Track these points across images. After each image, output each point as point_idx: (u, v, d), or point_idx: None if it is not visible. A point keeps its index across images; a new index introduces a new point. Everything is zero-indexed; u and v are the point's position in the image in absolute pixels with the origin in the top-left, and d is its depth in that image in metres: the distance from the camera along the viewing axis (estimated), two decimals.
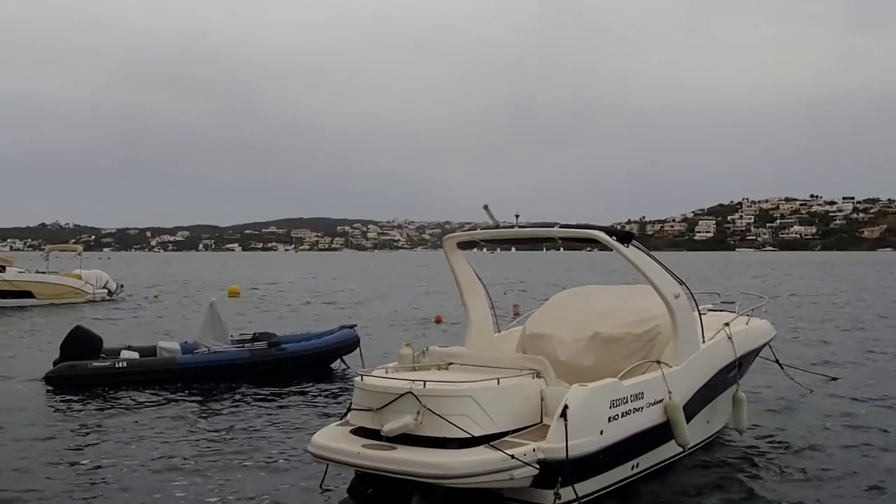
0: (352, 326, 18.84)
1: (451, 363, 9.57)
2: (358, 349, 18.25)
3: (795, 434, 11.84)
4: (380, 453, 7.80)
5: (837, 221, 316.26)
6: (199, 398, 14.87)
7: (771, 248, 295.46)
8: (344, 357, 18.25)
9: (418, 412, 7.76)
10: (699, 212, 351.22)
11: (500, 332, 11.47)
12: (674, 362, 9.46)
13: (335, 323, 22.45)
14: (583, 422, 8.01)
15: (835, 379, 16.26)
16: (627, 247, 9.29)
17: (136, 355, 16.39)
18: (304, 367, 17.10)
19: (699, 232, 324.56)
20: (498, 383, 8.18)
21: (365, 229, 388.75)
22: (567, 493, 7.93)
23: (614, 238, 9.32)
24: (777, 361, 13.78)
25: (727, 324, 10.90)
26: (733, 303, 12.94)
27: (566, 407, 7.91)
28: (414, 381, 8.03)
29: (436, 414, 7.74)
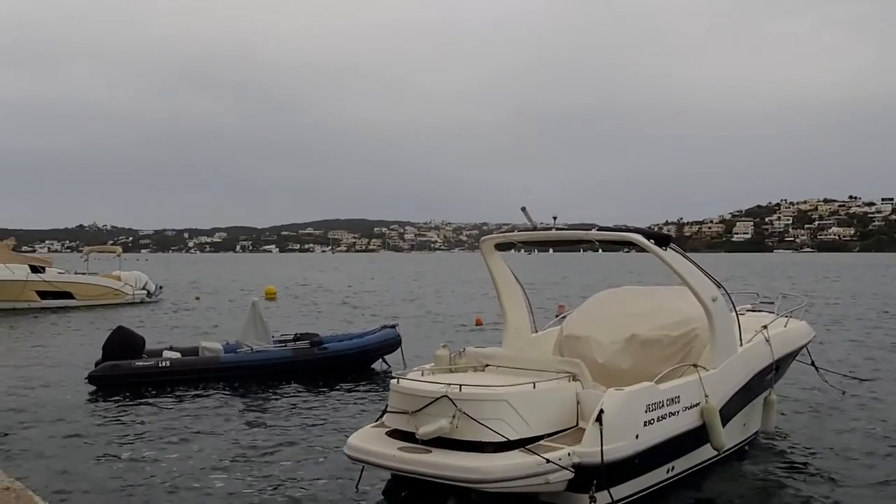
0: (393, 326, 18.76)
1: (487, 365, 9.52)
2: (399, 349, 18.18)
3: (827, 438, 11.62)
4: (415, 456, 7.75)
5: (876, 223, 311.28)
6: (241, 397, 14.86)
7: (809, 250, 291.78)
8: (385, 357, 18.19)
9: (454, 416, 7.70)
10: (737, 213, 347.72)
11: (537, 332, 11.38)
12: (711, 366, 9.34)
13: (375, 323, 22.36)
14: (618, 426, 7.93)
15: (866, 380, 16.03)
16: (665, 249, 9.17)
17: (178, 355, 16.41)
18: (345, 367, 17.03)
19: (737, 233, 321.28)
20: (534, 387, 8.12)
21: (402, 230, 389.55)
22: (602, 497, 7.86)
23: (652, 241, 9.18)
24: (813, 363, 13.42)
25: (765, 326, 10.69)
26: (772, 303, 12.76)
27: (602, 411, 7.84)
28: (450, 384, 7.95)
29: (471, 418, 7.67)
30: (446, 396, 7.80)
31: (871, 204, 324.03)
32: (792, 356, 11.73)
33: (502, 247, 11.07)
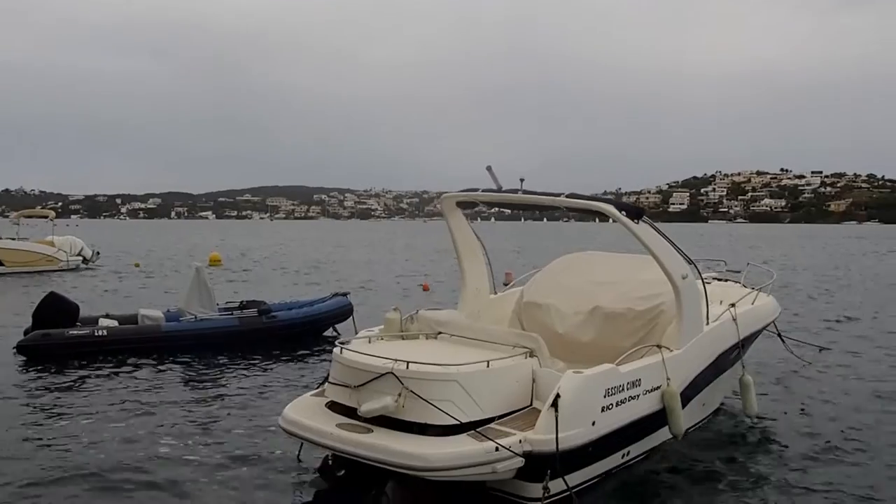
0: (345, 294, 18.03)
1: (440, 332, 8.98)
2: (351, 317, 17.47)
3: (800, 412, 11.38)
4: (355, 436, 7.23)
5: (806, 195, 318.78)
6: (185, 368, 14.03)
7: (742, 221, 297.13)
8: (336, 325, 17.49)
9: (400, 394, 7.16)
10: (673, 184, 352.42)
11: (496, 293, 10.92)
12: (675, 346, 8.91)
13: (323, 291, 21.59)
14: (575, 412, 7.44)
15: (824, 349, 15.94)
16: (637, 223, 8.65)
17: (115, 324, 15.38)
18: (295, 336, 16.30)
19: (673, 204, 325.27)
20: (488, 366, 7.60)
21: (342, 198, 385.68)
22: (555, 486, 7.35)
23: (623, 213, 8.65)
24: (779, 334, 13.04)
25: (733, 304, 10.30)
26: (739, 272, 12.47)
27: (558, 396, 7.33)
28: (397, 360, 7.36)
29: (419, 397, 7.14)
30: (392, 373, 7.24)
31: (801, 176, 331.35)
32: (757, 335, 11.34)
33: (464, 205, 10.47)
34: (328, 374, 8.25)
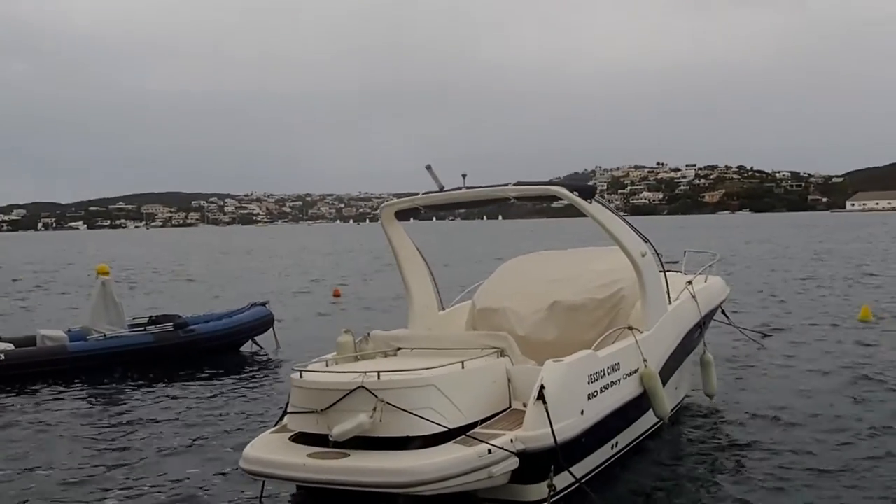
0: (264, 303, 16.92)
1: (399, 348, 8.43)
2: (272, 329, 16.50)
3: (759, 395, 11.30)
4: (331, 463, 6.48)
5: (682, 187, 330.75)
6: (99, 393, 12.83)
7: (623, 214, 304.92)
8: (256, 338, 16.40)
9: (374, 409, 6.50)
10: (555, 180, 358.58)
11: (444, 309, 10.34)
12: (644, 327, 8.67)
13: (229, 301, 20.45)
14: (563, 402, 7.05)
15: (765, 335, 15.96)
16: (591, 203, 8.44)
17: (10, 347, 13.88)
18: (214, 351, 15.20)
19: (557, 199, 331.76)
20: (462, 367, 7.10)
21: (222, 203, 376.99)
22: (561, 480, 6.86)
23: (576, 193, 8.41)
24: (726, 316, 12.90)
25: (690, 282, 10.22)
26: (677, 262, 12.17)
27: (543, 387, 6.88)
28: (365, 372, 6.74)
29: (396, 408, 6.52)
30: (363, 387, 6.57)
31: (676, 170, 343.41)
32: (713, 313, 11.29)
33: (404, 214, 9.92)
34: (285, 408, 7.57)
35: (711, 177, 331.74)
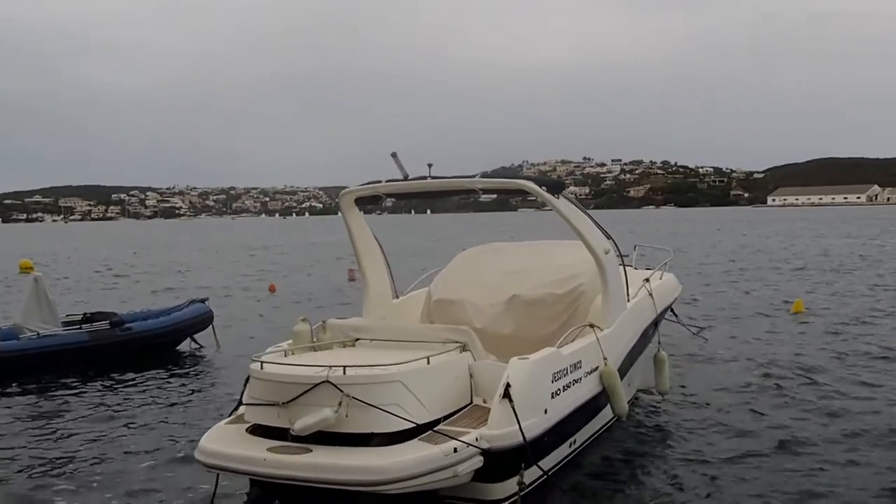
0: (203, 300, 16.46)
1: (357, 339, 8.28)
2: (211, 326, 16.05)
3: (710, 389, 11.46)
4: (294, 458, 6.33)
5: (608, 182, 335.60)
6: (35, 395, 12.31)
7: (549, 209, 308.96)
8: (195, 336, 15.95)
9: (340, 403, 6.36)
10: (482, 173, 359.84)
11: (398, 297, 10.30)
12: (604, 324, 8.68)
13: (161, 297, 19.88)
14: (528, 401, 7.01)
15: (702, 329, 16.10)
16: (558, 198, 8.43)
17: None
18: (151, 350, 14.73)
19: (484, 193, 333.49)
20: (428, 363, 6.99)
21: (143, 196, 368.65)
22: (527, 476, 6.88)
23: (544, 188, 8.39)
24: (674, 313, 13.03)
25: (647, 280, 10.31)
26: (626, 256, 12.19)
27: (508, 385, 6.83)
28: (331, 366, 6.56)
29: (362, 403, 6.38)
30: (328, 381, 6.41)
31: (602, 164, 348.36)
32: (667, 311, 11.40)
33: (364, 201, 9.75)
34: (240, 398, 7.39)
35: (637, 172, 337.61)
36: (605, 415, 8.80)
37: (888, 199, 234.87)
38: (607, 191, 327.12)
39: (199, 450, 6.80)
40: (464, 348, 7.59)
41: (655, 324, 10.46)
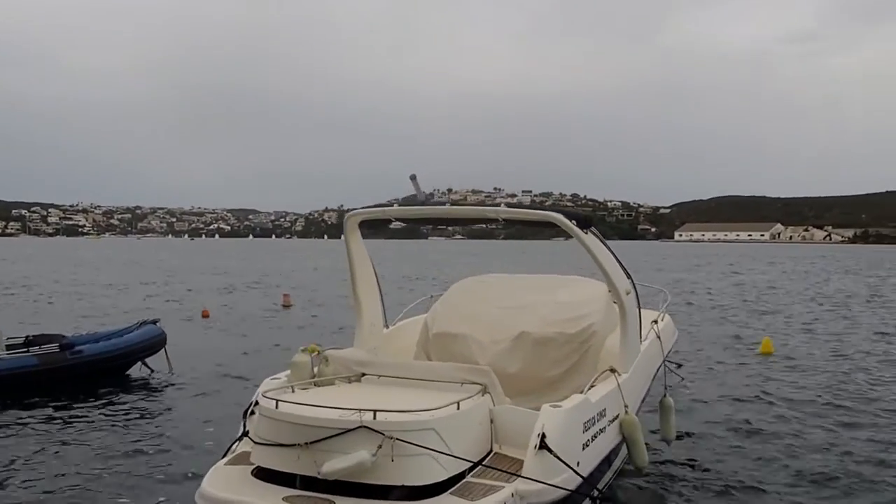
0: (154, 321, 15.66)
1: (363, 374, 7.70)
2: (164, 349, 15.30)
3: (706, 432, 11.23)
4: None
5: None
6: None
7: (460, 237, 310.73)
8: (146, 360, 15.16)
9: (379, 446, 5.85)
10: (393, 201, 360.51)
11: (388, 327, 9.78)
12: (622, 369, 8.18)
13: (84, 321, 18.84)
14: (563, 453, 6.53)
15: (680, 366, 15.89)
16: (586, 233, 8.04)
17: None
18: (100, 374, 13.91)
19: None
20: (458, 408, 6.50)
21: (45, 213, 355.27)
22: None
23: (574, 222, 7.99)
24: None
25: (655, 321, 10.00)
26: None
27: (544, 435, 6.43)
28: (361, 409, 6.04)
29: (402, 450, 5.91)
30: (364, 427, 5.90)
31: (513, 195, 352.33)
32: (669, 354, 10.91)
33: (369, 225, 9.21)
34: (240, 436, 6.92)
35: (547, 203, 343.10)
36: (617, 466, 8.36)
37: (790, 237, 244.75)
38: None
39: (202, 495, 6.23)
40: (484, 391, 7.10)
41: (664, 367, 10.11)
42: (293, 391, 6.98)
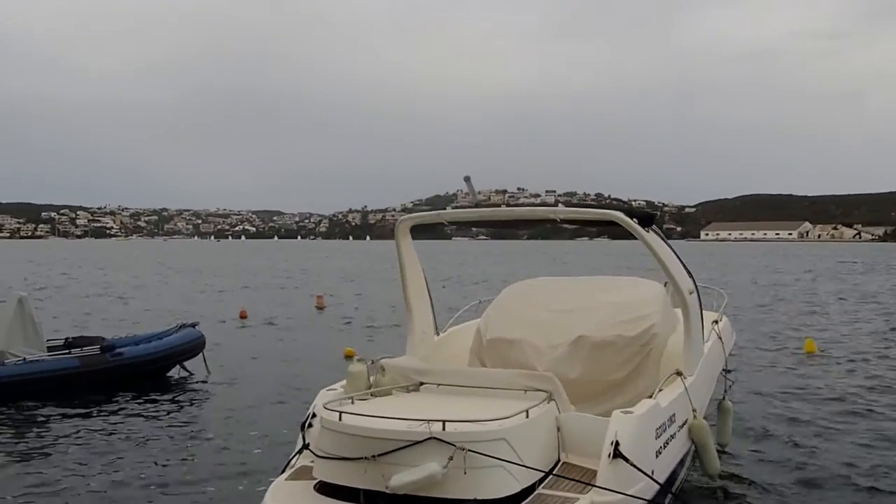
0: (193, 325, 15.58)
1: (422, 383, 7.43)
2: (202, 353, 15.22)
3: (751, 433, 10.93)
4: None
5: None
6: (23, 425, 11.36)
7: (484, 238, 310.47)
8: (185, 363, 15.10)
9: (450, 458, 5.62)
10: (418, 202, 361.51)
11: (438, 334, 9.45)
12: (687, 371, 7.85)
13: (116, 324, 18.80)
14: (638, 461, 6.27)
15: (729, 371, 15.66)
16: (648, 231, 7.71)
17: None
18: (140, 377, 13.86)
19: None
20: (527, 416, 6.23)
21: (74, 215, 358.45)
22: None
23: (635, 220, 7.66)
24: None
25: (716, 322, 9.65)
26: None
27: (617, 443, 6.15)
28: (429, 420, 5.82)
29: (474, 462, 5.67)
30: (434, 438, 5.69)
31: (536, 195, 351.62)
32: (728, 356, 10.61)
33: (419, 229, 8.99)
34: (300, 449, 6.70)
35: (571, 202, 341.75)
36: (684, 473, 8.09)
37: (818, 235, 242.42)
38: None
39: None
40: (549, 398, 6.85)
41: (726, 369, 9.87)
42: (353, 402, 6.72)
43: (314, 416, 6.74)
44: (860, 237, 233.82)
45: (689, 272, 8.20)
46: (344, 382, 7.49)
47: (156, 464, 9.52)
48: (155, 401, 12.89)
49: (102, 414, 11.94)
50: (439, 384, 7.36)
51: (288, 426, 11.00)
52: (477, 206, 8.36)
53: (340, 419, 6.10)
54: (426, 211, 9.15)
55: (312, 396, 7.29)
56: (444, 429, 5.73)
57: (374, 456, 5.77)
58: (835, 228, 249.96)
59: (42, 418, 11.66)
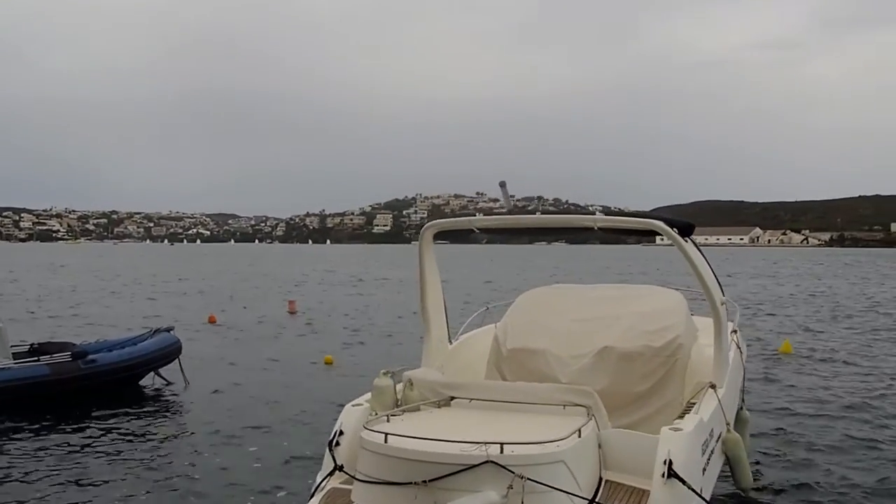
0: (169, 329, 14.69)
1: (453, 398, 6.89)
2: (177, 359, 14.33)
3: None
4: None
5: None
6: None
7: (443, 242, 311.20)
8: (160, 370, 14.19)
9: (510, 487, 5.14)
10: (376, 206, 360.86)
11: (451, 342, 8.94)
12: (718, 383, 7.51)
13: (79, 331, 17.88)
14: (690, 479, 5.88)
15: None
16: (686, 241, 7.44)
17: None
18: (112, 385, 12.97)
19: (377, 225, 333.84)
20: (580, 436, 5.84)
21: (17, 218, 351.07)
22: None
23: (675, 230, 7.32)
24: None
25: (735, 331, 9.34)
26: None
27: (671, 462, 5.77)
28: (487, 443, 5.31)
29: (535, 489, 5.22)
30: (491, 462, 5.19)
31: (495, 200, 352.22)
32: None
33: (441, 236, 8.51)
34: (332, 469, 6.20)
35: (529, 207, 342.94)
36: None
37: (769, 241, 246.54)
38: None
39: None
40: (589, 413, 6.41)
41: (745, 378, 9.64)
42: (388, 420, 6.13)
43: (341, 433, 6.26)
44: (808, 242, 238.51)
45: (719, 283, 7.99)
46: (369, 396, 6.95)
47: (135, 485, 8.74)
48: (131, 413, 11.99)
49: (73, 428, 11.05)
50: (471, 399, 6.83)
51: (277, 440, 10.35)
52: (510, 212, 7.92)
53: (386, 441, 5.54)
54: (432, 216, 8.52)
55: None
56: (501, 451, 5.23)
57: (425, 481, 5.26)
58: (784, 234, 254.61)
59: (7, 430, 10.78)
